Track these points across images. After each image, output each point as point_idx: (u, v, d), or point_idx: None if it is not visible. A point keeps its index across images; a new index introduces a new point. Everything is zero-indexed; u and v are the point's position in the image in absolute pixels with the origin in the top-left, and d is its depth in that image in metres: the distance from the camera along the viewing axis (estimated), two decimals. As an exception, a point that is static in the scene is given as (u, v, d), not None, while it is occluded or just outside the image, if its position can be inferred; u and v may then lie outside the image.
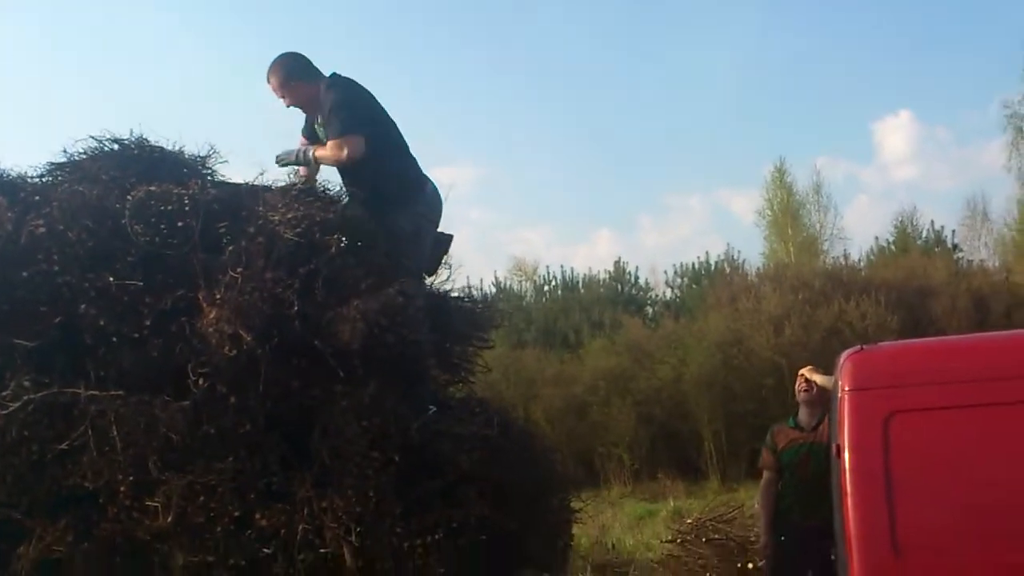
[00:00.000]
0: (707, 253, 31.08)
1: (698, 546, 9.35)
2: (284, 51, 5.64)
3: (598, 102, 48.37)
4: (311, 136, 5.61)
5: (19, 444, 4.49)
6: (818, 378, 6.86)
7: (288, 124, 5.85)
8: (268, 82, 5.61)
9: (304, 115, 5.72)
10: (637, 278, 30.92)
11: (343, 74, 5.56)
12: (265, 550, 4.31)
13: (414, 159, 5.68)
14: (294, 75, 5.56)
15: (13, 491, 4.51)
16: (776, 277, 23.68)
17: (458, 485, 4.59)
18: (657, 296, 31.17)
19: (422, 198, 5.58)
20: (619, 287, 30.40)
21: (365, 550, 4.29)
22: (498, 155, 51.28)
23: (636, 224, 52.62)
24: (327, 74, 5.55)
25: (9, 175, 5.21)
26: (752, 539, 8.69)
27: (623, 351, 22.47)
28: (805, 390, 6.93)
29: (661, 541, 10.96)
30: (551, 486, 5.64)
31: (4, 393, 4.51)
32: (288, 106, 5.66)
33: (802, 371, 7.08)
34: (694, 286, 29.78)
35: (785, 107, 49.31)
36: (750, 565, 8.00)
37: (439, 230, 5.79)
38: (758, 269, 27.63)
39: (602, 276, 30.77)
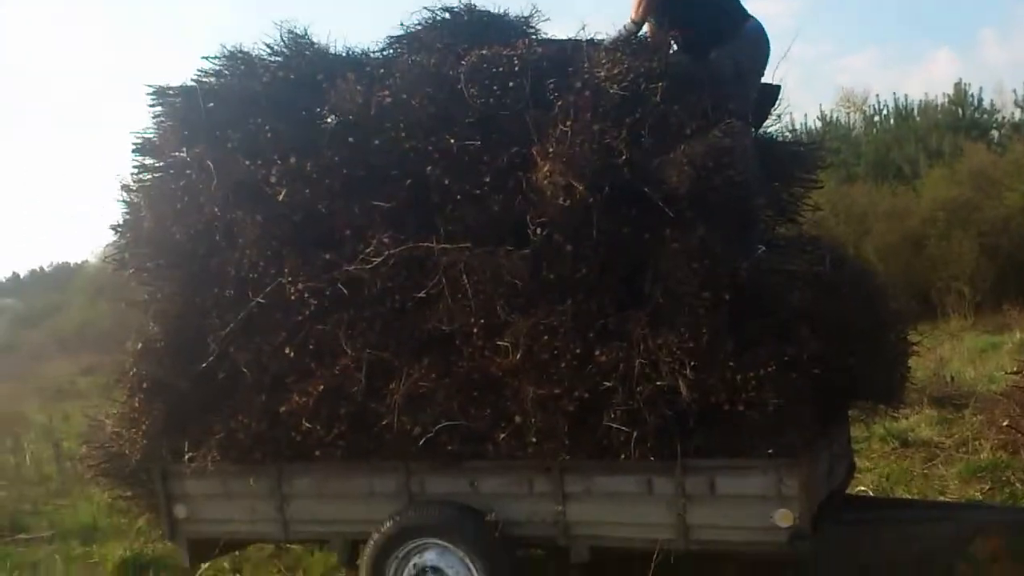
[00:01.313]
0: (1065, 66, 28.15)
1: (1048, 376, 8.89)
2: None
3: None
4: None
5: (383, 294, 5.00)
6: None
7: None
8: None
9: None
10: (980, 100, 28.59)
11: None
12: (605, 383, 4.55)
13: None
14: None
15: (382, 335, 5.03)
16: None
17: (790, 322, 4.61)
18: (1004, 119, 28.71)
19: (739, 36, 5.49)
20: (959, 111, 28.23)
21: (699, 383, 4.42)
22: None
23: (978, 40, 48.33)
24: None
25: (355, 52, 5.63)
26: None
27: (965, 180, 21.00)
28: None
29: (1005, 373, 10.51)
30: (886, 321, 5.59)
31: (368, 250, 4.98)
32: None
33: None
34: (1049, 104, 27.20)
35: None
36: (1102, 397, 7.55)
37: (766, 81, 5.72)
38: None
39: (940, 101, 28.71)
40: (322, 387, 5.06)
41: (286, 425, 5.20)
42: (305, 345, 5.16)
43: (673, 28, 5.23)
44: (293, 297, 5.12)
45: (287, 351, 5.19)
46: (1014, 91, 28.25)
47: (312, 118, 5.39)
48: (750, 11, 5.63)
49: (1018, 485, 7.54)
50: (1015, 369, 9.65)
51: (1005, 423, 8.75)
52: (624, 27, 5.27)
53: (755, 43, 5.56)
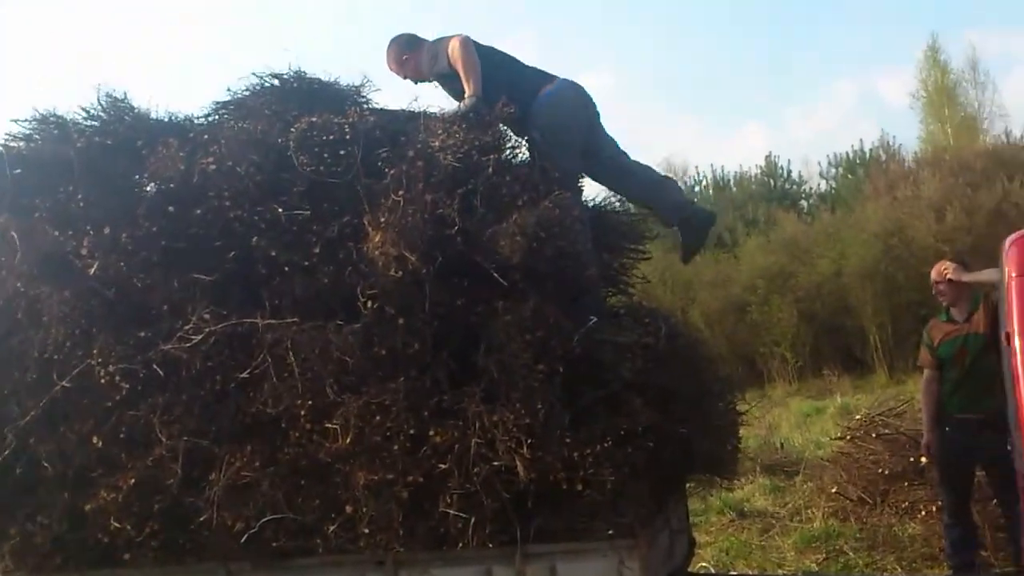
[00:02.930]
0: (861, 141, 30.15)
1: (868, 442, 9.26)
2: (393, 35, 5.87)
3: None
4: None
5: (203, 375, 4.71)
6: (966, 276, 6.62)
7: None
8: (389, 68, 5.85)
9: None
10: (789, 172, 30.24)
11: None
12: (441, 465, 4.42)
13: (527, 69, 5.71)
14: (405, 49, 5.81)
15: (201, 421, 4.73)
16: (935, 161, 22.79)
17: (623, 393, 4.59)
18: (811, 189, 30.45)
19: (538, 105, 5.50)
20: (771, 182, 29.78)
21: (537, 462, 4.33)
22: (638, 55, 50.03)
23: (783, 116, 51.12)
24: None
25: (178, 117, 5.40)
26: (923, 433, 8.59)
27: (779, 248, 22.10)
28: (941, 293, 6.75)
29: (830, 438, 10.89)
30: (716, 390, 5.64)
31: (187, 327, 4.70)
32: (416, 81, 5.83)
33: (936, 271, 6.82)
34: (849, 176, 28.95)
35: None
36: (923, 459, 7.88)
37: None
38: (915, 154, 26.65)
39: (753, 172, 30.21)
40: (133, 480, 4.71)
41: (92, 525, 4.80)
42: (115, 434, 4.81)
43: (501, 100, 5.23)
44: (103, 380, 4.77)
45: (95, 441, 4.83)
46: (819, 164, 30.06)
47: (130, 186, 5.13)
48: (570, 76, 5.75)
49: (851, 554, 7.75)
50: (839, 435, 10.02)
51: (834, 490, 9.05)
52: (466, 103, 5.25)
53: (559, 104, 5.58)
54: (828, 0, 48.58)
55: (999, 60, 49.18)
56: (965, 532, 6.87)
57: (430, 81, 5.78)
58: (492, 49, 5.67)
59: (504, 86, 5.34)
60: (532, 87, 5.55)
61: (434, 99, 5.39)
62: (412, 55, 5.77)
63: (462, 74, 5.33)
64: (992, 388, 6.04)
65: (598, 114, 5.85)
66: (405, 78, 5.84)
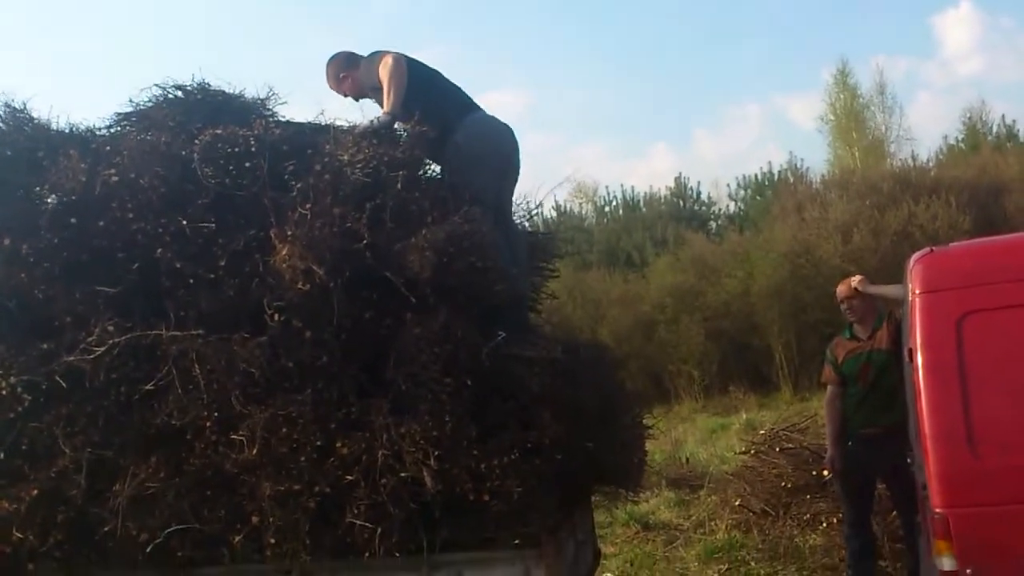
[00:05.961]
0: (769, 163, 30.90)
1: (772, 456, 9.43)
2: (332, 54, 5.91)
3: (641, 11, 47.25)
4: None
5: (107, 387, 4.64)
6: (872, 288, 6.84)
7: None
8: (329, 86, 5.89)
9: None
10: (699, 193, 30.71)
11: None
12: (348, 476, 4.41)
13: (453, 91, 5.73)
14: (343, 67, 5.85)
15: (105, 432, 4.67)
16: (842, 183, 23.34)
17: (531, 407, 4.63)
18: (720, 210, 30.95)
19: (467, 121, 5.57)
20: (681, 203, 30.21)
21: (444, 473, 4.36)
22: (545, 75, 50.30)
23: (692, 137, 51.95)
24: None
25: (79, 128, 5.30)
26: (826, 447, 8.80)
27: (688, 267, 22.39)
28: (851, 309, 6.95)
29: (735, 453, 11.08)
30: (622, 404, 5.71)
31: (90, 339, 4.63)
32: (356, 98, 5.86)
33: (844, 286, 7.04)
34: (758, 197, 29.47)
35: (836, 5, 47.74)
36: (825, 472, 8.08)
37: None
38: (823, 176, 27.25)
39: (663, 193, 30.61)
40: (36, 491, 4.63)
41: (-7, 537, 4.71)
42: (17, 445, 4.71)
43: (420, 120, 5.24)
44: (4, 392, 4.68)
45: (-4, 453, 4.73)
46: (728, 185, 30.60)
47: (30, 197, 5.03)
48: (481, 104, 5.80)
49: (753, 564, 7.88)
50: (743, 449, 10.19)
51: (737, 502, 9.20)
52: (378, 119, 5.23)
53: (479, 131, 5.61)
54: (735, 23, 49.47)
55: (904, 84, 50.70)
56: (865, 543, 7.04)
57: (370, 97, 5.76)
58: (429, 72, 5.67)
59: (429, 108, 5.33)
60: (459, 114, 5.57)
61: (343, 113, 5.37)
62: (350, 72, 5.79)
63: (384, 89, 5.32)
64: (894, 403, 6.24)
65: (518, 166, 5.88)
66: (345, 96, 5.85)
